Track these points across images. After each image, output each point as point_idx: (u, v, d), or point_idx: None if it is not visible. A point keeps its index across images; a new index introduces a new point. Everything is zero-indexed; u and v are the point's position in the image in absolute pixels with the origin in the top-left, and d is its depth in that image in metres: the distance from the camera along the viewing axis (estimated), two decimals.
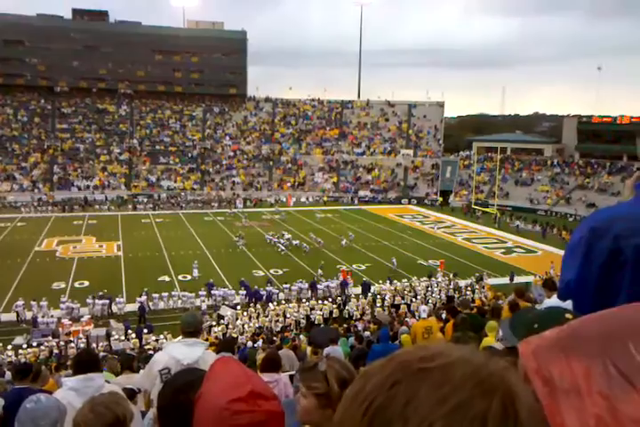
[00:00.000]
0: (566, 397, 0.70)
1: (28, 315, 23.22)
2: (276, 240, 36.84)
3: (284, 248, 35.24)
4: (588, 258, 1.45)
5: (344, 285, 27.41)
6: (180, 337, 4.22)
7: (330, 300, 25.14)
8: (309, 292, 26.80)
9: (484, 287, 26.68)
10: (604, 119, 60.31)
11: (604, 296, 1.43)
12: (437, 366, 0.63)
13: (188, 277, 29.21)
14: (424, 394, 0.60)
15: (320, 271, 29.36)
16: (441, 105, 71.76)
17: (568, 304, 1.62)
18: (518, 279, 28.28)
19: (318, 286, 27.15)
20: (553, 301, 4.40)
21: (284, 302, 24.67)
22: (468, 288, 26.41)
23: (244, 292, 26.00)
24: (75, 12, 68.90)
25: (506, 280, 28.95)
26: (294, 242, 36.32)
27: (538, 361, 0.76)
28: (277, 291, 26.50)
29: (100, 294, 25.00)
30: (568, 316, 1.61)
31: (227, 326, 21.60)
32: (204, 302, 25.11)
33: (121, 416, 2.37)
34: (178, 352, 3.88)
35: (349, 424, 0.63)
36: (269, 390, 1.63)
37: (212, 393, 1.57)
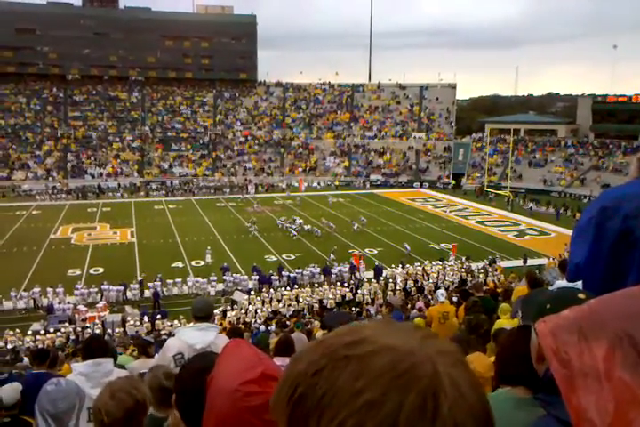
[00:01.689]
0: (584, 380, 0.68)
1: (45, 302, 23.61)
2: (288, 225, 36.99)
3: (295, 233, 35.35)
4: (598, 239, 1.44)
5: (352, 269, 27.53)
6: (193, 322, 4.26)
7: (342, 284, 25.24)
8: (322, 276, 26.96)
9: (496, 270, 26.61)
10: (619, 98, 59.30)
11: (615, 277, 1.42)
12: (359, 354, 0.59)
13: (202, 262, 29.44)
14: (341, 386, 0.57)
15: (332, 256, 29.43)
16: (453, 87, 70.94)
17: (579, 285, 1.61)
18: (532, 262, 28.18)
19: (332, 271, 27.27)
20: (564, 282, 4.37)
21: (296, 286, 24.83)
22: (481, 271, 26.36)
23: (256, 277, 26.21)
24: None
25: (519, 263, 28.85)
26: (306, 227, 36.40)
27: (556, 341, 0.74)
28: (294, 275, 26.65)
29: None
30: (581, 296, 1.59)
31: (240, 310, 21.80)
32: (213, 287, 25.34)
33: (140, 400, 2.41)
34: (190, 337, 3.92)
35: (279, 410, 0.61)
36: (281, 372, 1.64)
37: (224, 375, 1.58)
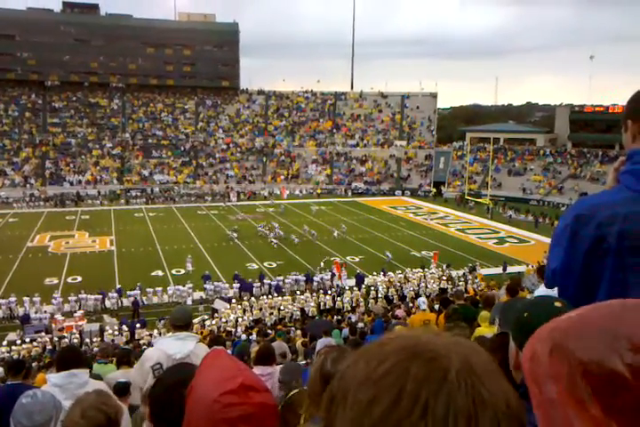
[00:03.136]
0: (550, 408, 0.68)
1: (21, 311, 23.16)
2: (266, 232, 37.01)
3: (275, 240, 35.23)
4: (573, 245, 1.46)
5: (332, 276, 27.61)
6: (172, 331, 4.22)
7: (323, 292, 25.20)
8: (304, 284, 26.92)
9: (476, 278, 26.81)
10: (597, 109, 60.48)
11: (588, 283, 1.44)
12: (380, 342, 0.66)
13: (182, 271, 29.17)
14: (360, 367, 0.64)
15: (322, 264, 29.53)
16: (434, 96, 71.68)
17: (557, 293, 1.63)
18: (511, 269, 28.44)
19: (314, 279, 27.23)
20: (542, 290, 4.43)
21: (275, 294, 24.74)
22: (461, 279, 26.53)
23: (237, 285, 26.06)
24: (65, 4, 68.20)
25: (499, 270, 29.09)
26: (281, 233, 36.37)
27: (532, 366, 0.72)
28: (275, 282, 26.56)
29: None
30: (557, 304, 1.61)
31: (220, 319, 21.62)
32: (190, 295, 25.12)
33: (112, 416, 2.36)
34: (169, 347, 3.88)
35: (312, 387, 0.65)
36: (261, 383, 1.63)
37: (203, 386, 1.57)
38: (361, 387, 0.62)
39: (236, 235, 36.39)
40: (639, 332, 0.64)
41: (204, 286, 25.85)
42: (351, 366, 0.66)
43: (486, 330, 5.16)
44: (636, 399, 0.61)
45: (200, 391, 1.55)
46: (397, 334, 0.68)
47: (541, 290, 4.42)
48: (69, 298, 24.23)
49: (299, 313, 22.86)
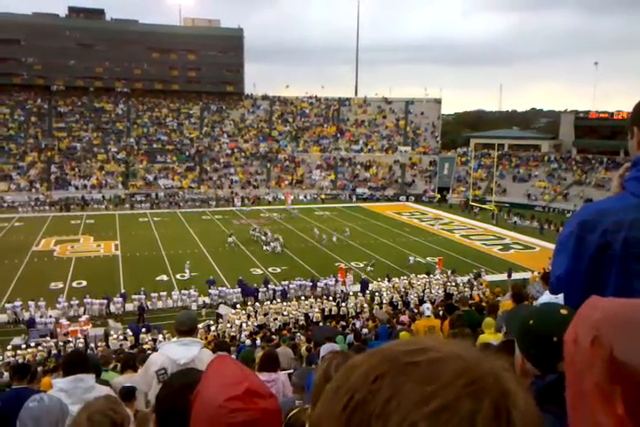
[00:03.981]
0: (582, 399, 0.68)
1: (26, 315, 23.21)
2: (258, 235, 37.17)
3: (267, 248, 34.92)
4: (578, 252, 1.46)
5: (338, 281, 27.67)
6: (176, 337, 4.22)
7: (327, 297, 25.15)
8: (309, 289, 26.92)
9: (482, 284, 26.72)
10: (601, 115, 60.33)
11: (593, 290, 1.44)
12: (426, 360, 0.58)
13: (186, 275, 29.19)
14: (408, 390, 0.56)
15: (370, 268, 30.26)
16: (438, 102, 71.72)
17: (561, 299, 1.63)
18: (516, 276, 28.33)
19: (318, 284, 27.21)
20: (546, 297, 4.42)
21: (279, 300, 24.72)
22: (466, 285, 26.45)
23: (239, 290, 26.09)
24: (71, 10, 68.66)
25: (504, 277, 28.99)
26: (272, 244, 35.75)
27: (574, 350, 0.71)
28: (280, 288, 26.56)
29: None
30: (563, 311, 1.61)
31: (226, 324, 21.61)
32: (194, 302, 25.12)
33: (119, 422, 2.36)
34: (173, 352, 3.88)
35: (328, 419, 0.59)
36: (266, 388, 1.63)
37: (209, 392, 1.57)
38: (416, 414, 0.54)
39: (231, 239, 36.24)
40: None
41: (209, 291, 25.87)
42: (391, 382, 0.57)
43: (490, 337, 5.14)
44: None
45: (205, 396, 1.55)
46: (433, 345, 0.61)
47: (545, 297, 4.41)
48: (72, 302, 24.28)
49: (303, 318, 22.82)
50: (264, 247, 35.08)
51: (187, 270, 29.25)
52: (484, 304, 13.57)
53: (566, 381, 0.71)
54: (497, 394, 0.56)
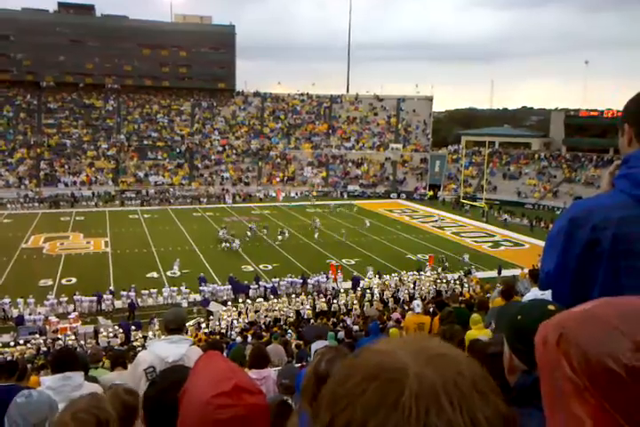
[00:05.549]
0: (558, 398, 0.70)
1: (15, 312, 23.05)
2: (227, 237, 36.00)
3: (236, 246, 34.39)
4: (567, 248, 1.46)
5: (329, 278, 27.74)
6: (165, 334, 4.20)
7: (318, 294, 25.18)
8: (300, 287, 26.93)
9: (472, 281, 26.85)
10: (591, 113, 60.67)
11: (582, 286, 1.45)
12: (357, 354, 0.68)
13: (177, 273, 29.11)
14: (330, 383, 0.66)
15: (446, 264, 30.50)
16: (430, 99, 71.85)
17: (549, 296, 1.64)
18: (506, 273, 28.48)
19: (309, 281, 27.22)
20: (532, 294, 4.44)
21: (272, 297, 24.72)
22: (457, 282, 26.56)
23: (229, 287, 26.07)
24: (60, 5, 67.97)
25: (494, 274, 29.15)
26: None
27: (544, 351, 0.74)
28: (271, 285, 26.55)
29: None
30: (551, 307, 1.62)
31: (217, 321, 21.58)
32: (185, 299, 25.06)
33: (103, 420, 2.33)
34: (162, 350, 3.86)
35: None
36: (254, 385, 1.63)
37: (197, 388, 1.57)
38: (325, 405, 0.63)
39: (222, 232, 35.95)
40: None
41: (200, 288, 25.81)
42: (331, 378, 0.66)
43: (476, 333, 5.16)
44: (629, 397, 0.63)
45: (193, 393, 1.55)
46: (376, 346, 0.67)
47: (531, 294, 4.43)
48: (61, 300, 24.16)
49: (294, 315, 22.83)
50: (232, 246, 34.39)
51: (175, 267, 29.13)
52: (473, 301, 13.63)
53: (540, 381, 0.73)
54: (390, 375, 0.61)
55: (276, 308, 23.08)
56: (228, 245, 34.41)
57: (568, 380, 0.68)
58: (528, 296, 4.37)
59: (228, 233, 36.33)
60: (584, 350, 0.67)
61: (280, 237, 36.50)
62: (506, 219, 45.85)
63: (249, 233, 37.29)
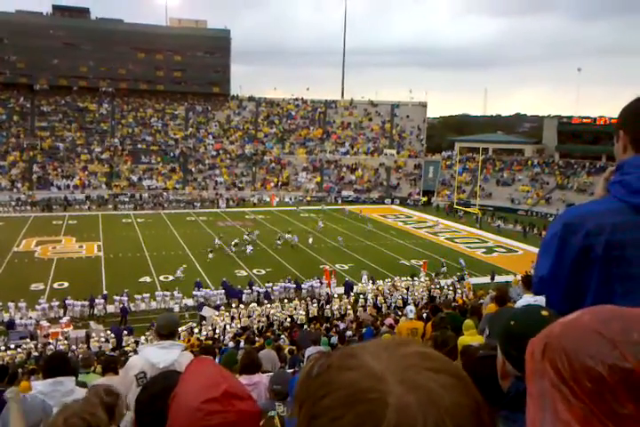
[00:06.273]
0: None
1: (5, 317, 22.86)
2: (219, 243, 35.61)
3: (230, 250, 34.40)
4: (561, 254, 1.46)
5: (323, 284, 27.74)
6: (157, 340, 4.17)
7: (311, 300, 25.11)
8: (294, 292, 26.88)
9: (465, 287, 26.87)
10: (584, 120, 61.07)
11: (575, 292, 1.44)
12: (338, 365, 0.67)
13: (170, 277, 28.97)
14: (313, 390, 0.66)
15: (464, 264, 31.31)
16: (424, 105, 72.15)
17: (542, 302, 1.63)
18: (499, 279, 28.55)
19: (302, 286, 27.17)
20: (524, 300, 4.44)
21: (266, 301, 24.64)
22: (450, 288, 26.58)
23: (222, 291, 25.99)
24: (55, 8, 67.97)
25: (487, 280, 29.19)
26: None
27: (532, 360, 0.75)
28: (264, 290, 26.47)
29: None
30: (544, 313, 1.61)
31: (209, 326, 21.48)
32: (177, 304, 24.94)
33: (94, 426, 2.32)
34: (153, 356, 3.83)
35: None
36: (245, 390, 1.61)
37: (186, 394, 1.55)
38: (303, 416, 0.64)
39: (250, 247, 34.81)
40: (621, 337, 0.68)
41: (193, 293, 25.71)
42: (314, 379, 0.67)
43: (469, 338, 5.14)
44: (613, 398, 0.65)
45: (182, 399, 1.53)
46: (353, 361, 0.66)
47: (524, 300, 4.44)
48: (52, 304, 23.98)
49: (289, 320, 22.75)
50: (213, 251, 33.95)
51: (178, 272, 28.93)
52: (467, 307, 13.64)
53: (527, 393, 0.74)
54: (368, 406, 0.59)
55: (269, 313, 23.01)
56: (242, 248, 34.18)
57: (554, 386, 0.69)
58: (520, 302, 4.37)
59: (242, 240, 36.08)
60: (567, 355, 0.69)
61: (279, 242, 36.47)
62: (499, 225, 45.99)
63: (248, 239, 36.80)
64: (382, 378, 0.61)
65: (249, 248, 34.15)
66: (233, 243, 35.07)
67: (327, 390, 0.63)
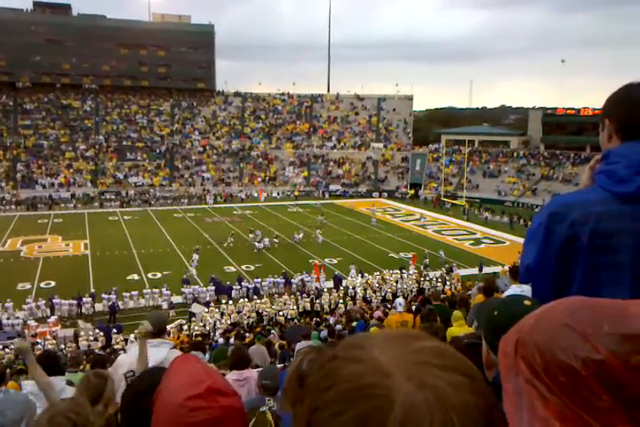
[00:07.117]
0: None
1: None
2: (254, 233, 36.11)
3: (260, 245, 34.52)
4: (547, 243, 1.46)
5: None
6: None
7: (302, 294, 25.14)
8: (283, 287, 26.88)
9: (454, 278, 27.04)
10: (568, 111, 61.52)
11: (560, 282, 1.44)
12: (343, 357, 0.64)
13: (158, 274, 28.85)
14: (316, 380, 0.63)
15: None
16: (410, 98, 72.23)
17: (528, 292, 1.63)
18: (487, 270, 28.73)
19: (292, 281, 27.17)
20: (511, 290, 4.47)
21: (255, 297, 24.64)
22: (439, 279, 26.73)
23: (213, 288, 25.93)
24: (36, 4, 66.94)
25: (475, 271, 29.38)
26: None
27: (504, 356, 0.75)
28: (252, 285, 26.43)
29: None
30: (527, 303, 1.62)
31: (199, 322, 21.43)
32: (164, 301, 24.84)
33: (79, 425, 2.30)
34: None
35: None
36: (229, 387, 1.60)
37: (170, 390, 1.54)
38: (304, 411, 0.61)
39: (232, 239, 35.28)
40: (592, 329, 0.67)
41: (182, 289, 25.62)
42: (316, 367, 0.65)
43: (458, 330, 5.17)
44: (588, 391, 0.64)
45: (166, 395, 1.52)
46: (358, 352, 0.63)
47: (511, 291, 4.46)
48: (39, 303, 23.80)
49: (282, 314, 22.76)
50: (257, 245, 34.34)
51: (194, 261, 29.45)
52: (455, 298, 13.71)
53: (502, 390, 0.73)
54: (374, 403, 0.56)
55: (259, 308, 23.00)
56: (260, 245, 34.13)
57: (529, 382, 0.68)
58: (508, 293, 4.40)
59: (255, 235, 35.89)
60: (539, 349, 0.69)
61: (277, 240, 35.71)
62: (486, 217, 46.27)
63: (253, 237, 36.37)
64: (389, 373, 0.58)
65: (264, 243, 34.34)
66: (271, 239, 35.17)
67: (331, 381, 0.60)
